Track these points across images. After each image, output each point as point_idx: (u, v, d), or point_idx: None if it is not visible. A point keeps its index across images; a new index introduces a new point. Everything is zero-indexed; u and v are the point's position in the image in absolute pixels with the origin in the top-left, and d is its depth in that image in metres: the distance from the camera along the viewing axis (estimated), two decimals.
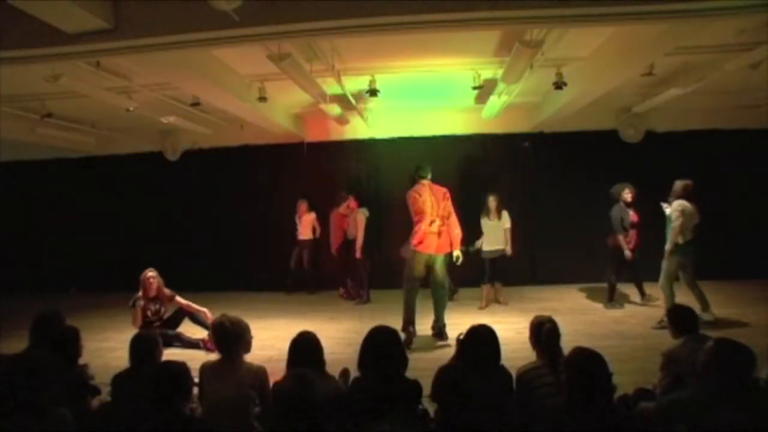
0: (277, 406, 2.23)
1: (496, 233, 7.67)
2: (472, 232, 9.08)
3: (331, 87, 6.83)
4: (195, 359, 3.20)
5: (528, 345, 3.32)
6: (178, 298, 6.06)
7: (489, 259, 7.75)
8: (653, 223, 7.28)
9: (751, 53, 5.48)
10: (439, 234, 5.85)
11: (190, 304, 6.08)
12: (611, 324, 6.54)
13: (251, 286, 9.49)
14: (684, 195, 6.31)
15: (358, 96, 7.41)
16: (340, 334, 6.28)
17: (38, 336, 3.63)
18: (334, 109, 7.87)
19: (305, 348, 3.06)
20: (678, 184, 6.42)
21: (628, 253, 7.17)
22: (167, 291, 6.03)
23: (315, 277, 9.33)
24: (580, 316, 7.01)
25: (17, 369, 2.44)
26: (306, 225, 9.19)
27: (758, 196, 8.84)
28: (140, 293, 5.90)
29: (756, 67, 5.90)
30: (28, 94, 6.86)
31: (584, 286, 8.93)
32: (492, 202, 7.71)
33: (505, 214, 7.73)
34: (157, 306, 6.00)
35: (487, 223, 7.72)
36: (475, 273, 9.33)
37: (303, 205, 9.18)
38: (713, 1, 3.68)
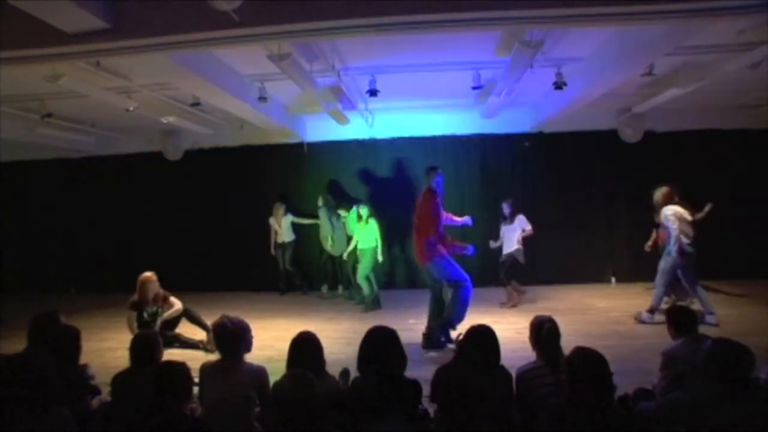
0: (276, 407, 2.23)
1: (508, 237, 7.80)
2: (472, 231, 9.10)
3: (331, 87, 6.83)
4: (195, 359, 3.20)
5: (528, 345, 3.32)
6: (172, 299, 6.01)
7: (501, 261, 7.87)
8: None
9: (751, 53, 5.48)
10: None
11: (176, 302, 6.01)
12: (611, 324, 6.54)
13: (251, 286, 9.49)
14: (669, 202, 6.32)
15: (357, 96, 7.42)
16: (339, 334, 6.28)
17: (37, 336, 3.63)
18: (334, 110, 7.87)
19: (305, 348, 3.06)
20: (657, 194, 6.46)
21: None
22: (162, 291, 5.97)
23: (304, 278, 9.44)
24: (580, 315, 7.01)
25: (17, 368, 2.44)
26: (286, 227, 9.20)
27: (758, 196, 8.85)
28: (135, 297, 5.81)
29: (756, 67, 5.90)
30: (28, 94, 6.86)
31: (584, 286, 8.93)
32: (505, 208, 7.86)
33: (517, 219, 7.79)
34: (154, 308, 5.95)
35: (502, 228, 7.91)
36: (481, 273, 9.38)
37: (282, 208, 9.18)
38: (713, 1, 3.68)
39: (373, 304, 7.78)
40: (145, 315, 5.85)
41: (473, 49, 5.90)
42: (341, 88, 6.76)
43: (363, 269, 7.70)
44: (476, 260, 9.47)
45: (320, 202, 8.63)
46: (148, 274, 5.89)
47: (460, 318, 5.58)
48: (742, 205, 8.92)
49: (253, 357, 3.28)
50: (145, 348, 3.24)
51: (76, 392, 3.19)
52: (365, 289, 7.79)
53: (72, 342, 3.51)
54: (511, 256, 7.73)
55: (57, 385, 2.57)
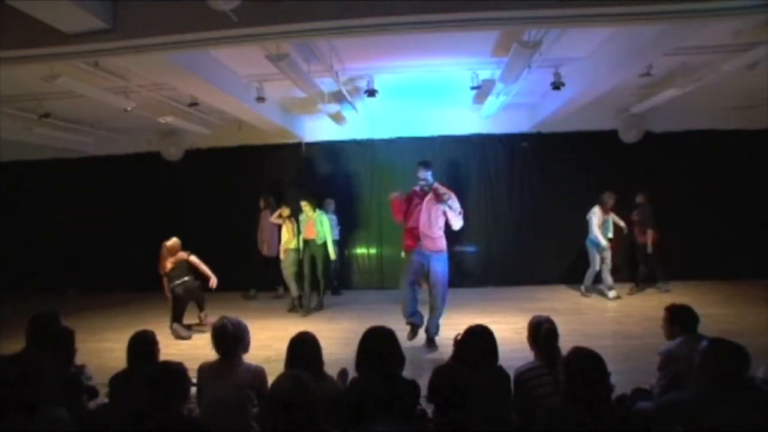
0: (274, 407, 2.23)
1: None
2: (469, 232, 9.11)
3: (329, 87, 6.83)
4: (193, 359, 3.20)
5: (526, 345, 3.32)
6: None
7: None
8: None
9: (748, 54, 5.50)
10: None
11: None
12: (609, 324, 6.56)
13: (249, 286, 9.47)
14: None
15: (355, 95, 7.42)
16: (338, 334, 6.28)
17: (35, 337, 3.62)
18: (333, 110, 7.88)
19: (304, 348, 3.06)
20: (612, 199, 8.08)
21: None
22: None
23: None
24: (578, 316, 7.02)
25: (14, 369, 2.44)
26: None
27: (755, 196, 8.87)
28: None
29: (753, 67, 5.92)
30: (26, 94, 6.85)
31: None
32: None
33: None
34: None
35: None
36: (479, 273, 9.41)
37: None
38: (711, 2, 3.69)
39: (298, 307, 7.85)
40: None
41: (471, 49, 5.91)
42: (340, 90, 6.77)
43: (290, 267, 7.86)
44: (475, 260, 9.55)
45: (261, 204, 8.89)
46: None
47: None
48: (739, 205, 8.95)
49: (251, 357, 3.28)
50: (142, 348, 3.24)
51: (73, 393, 3.18)
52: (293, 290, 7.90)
53: (68, 343, 3.51)
54: None
55: (54, 386, 2.57)
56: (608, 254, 8.04)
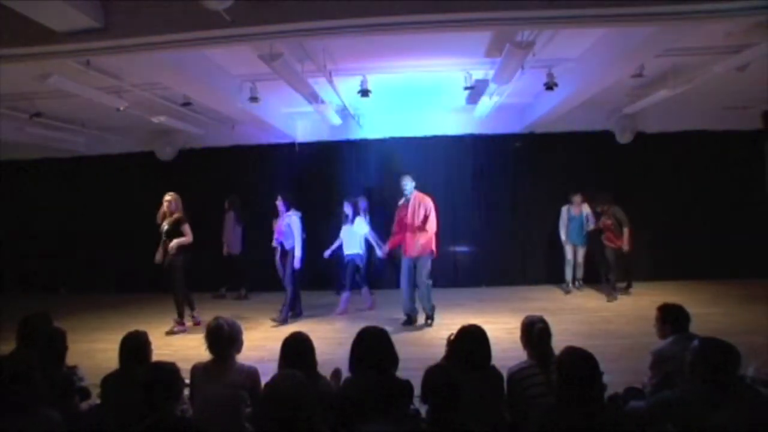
0: (268, 407, 2.23)
1: (351, 238, 7.69)
2: (465, 232, 9.11)
3: (323, 88, 6.83)
4: (186, 360, 3.19)
5: (519, 345, 3.33)
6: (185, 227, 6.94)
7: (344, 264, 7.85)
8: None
9: (738, 55, 5.54)
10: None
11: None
12: (601, 324, 6.59)
13: (241, 287, 9.44)
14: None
15: (348, 95, 7.41)
16: (331, 334, 6.28)
17: (26, 337, 3.60)
18: (326, 109, 7.86)
19: (297, 348, 3.05)
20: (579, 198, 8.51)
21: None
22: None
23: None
24: (570, 315, 7.05)
25: (5, 370, 2.42)
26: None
27: (747, 196, 8.93)
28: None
29: (743, 69, 5.97)
30: (17, 94, 6.79)
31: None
32: (347, 208, 7.76)
33: (359, 220, 7.70)
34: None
35: (343, 228, 7.76)
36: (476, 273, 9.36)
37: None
38: (702, 3, 3.72)
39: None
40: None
41: (465, 50, 5.92)
42: (333, 90, 6.75)
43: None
44: (468, 260, 9.57)
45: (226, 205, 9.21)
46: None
47: None
48: (730, 205, 9.01)
49: (244, 357, 3.27)
50: (134, 348, 3.22)
51: (64, 394, 3.17)
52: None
53: (60, 343, 3.49)
54: (351, 260, 7.66)
55: (44, 387, 2.56)
56: (570, 251, 8.51)
